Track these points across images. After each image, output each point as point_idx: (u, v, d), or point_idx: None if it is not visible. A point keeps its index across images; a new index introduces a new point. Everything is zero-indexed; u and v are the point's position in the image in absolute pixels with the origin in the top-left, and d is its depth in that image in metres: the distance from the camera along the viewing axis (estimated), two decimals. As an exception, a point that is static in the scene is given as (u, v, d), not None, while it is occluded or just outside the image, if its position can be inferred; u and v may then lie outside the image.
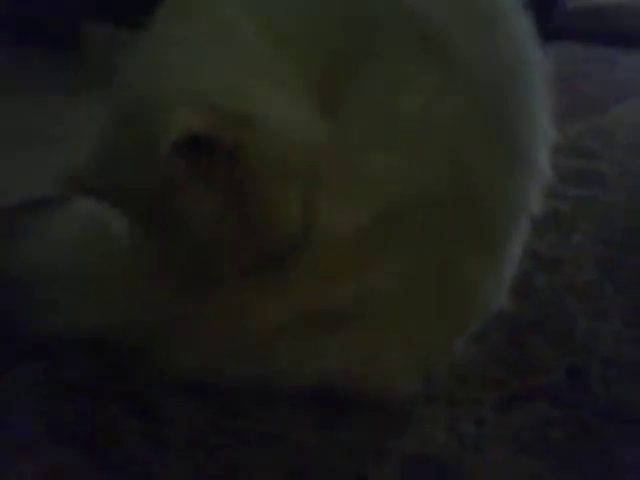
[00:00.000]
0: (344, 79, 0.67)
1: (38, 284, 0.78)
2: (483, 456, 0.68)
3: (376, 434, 0.69)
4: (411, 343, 0.69)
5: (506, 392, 0.76)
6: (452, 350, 0.72)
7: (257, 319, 0.68)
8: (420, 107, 0.66)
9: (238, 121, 0.63)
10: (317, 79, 0.68)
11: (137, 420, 0.69)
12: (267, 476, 0.64)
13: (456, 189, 0.66)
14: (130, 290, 0.74)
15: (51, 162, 1.14)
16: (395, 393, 0.70)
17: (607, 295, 0.93)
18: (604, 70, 1.92)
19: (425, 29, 0.68)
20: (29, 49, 1.80)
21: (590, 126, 1.48)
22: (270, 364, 0.70)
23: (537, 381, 0.78)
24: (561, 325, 0.86)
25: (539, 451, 0.69)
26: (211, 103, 0.63)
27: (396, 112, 0.66)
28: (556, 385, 0.77)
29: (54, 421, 0.69)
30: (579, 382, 0.78)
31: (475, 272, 0.69)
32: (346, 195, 0.66)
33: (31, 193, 1.05)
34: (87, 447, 0.67)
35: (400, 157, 0.66)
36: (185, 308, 0.71)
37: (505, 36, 0.70)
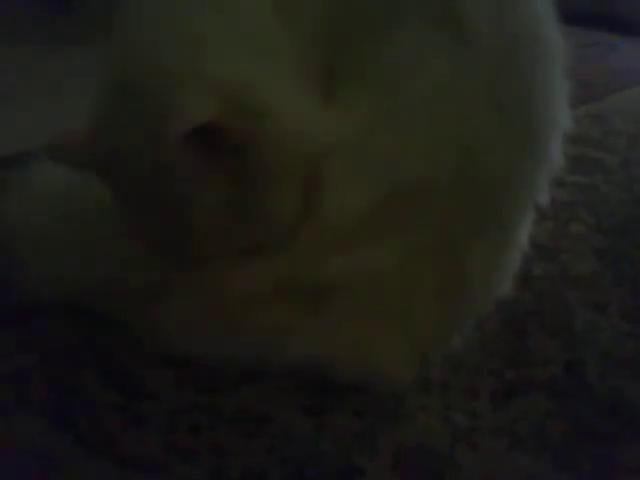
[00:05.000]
0: (348, 56, 0.64)
1: (17, 242, 0.75)
2: (477, 450, 0.65)
3: (368, 422, 0.66)
4: (408, 329, 0.66)
5: (502, 383, 0.73)
6: (451, 338, 0.69)
7: (241, 288, 0.65)
8: (433, 88, 0.63)
9: (251, 113, 0.59)
10: (318, 54, 0.64)
11: (114, 393, 0.66)
12: (254, 460, 0.61)
13: (463, 173, 0.63)
14: (110, 252, 0.70)
15: (32, 114, 1.10)
16: (388, 379, 0.67)
17: (606, 287, 0.90)
18: (604, 56, 1.89)
19: (440, 5, 0.64)
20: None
21: (589, 112, 1.45)
22: (257, 338, 0.66)
23: (534, 373, 0.75)
24: (559, 316, 0.84)
25: (534, 447, 0.66)
26: (227, 89, 0.58)
27: (404, 93, 0.63)
28: (553, 378, 0.75)
29: (23, 390, 0.65)
30: (576, 376, 0.75)
31: (478, 259, 0.66)
32: (349, 176, 0.62)
33: (13, 146, 1.00)
34: (58, 419, 0.63)
35: (406, 139, 0.62)
36: (165, 277, 0.67)
37: (524, 17, 0.67)
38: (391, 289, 0.64)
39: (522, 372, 0.75)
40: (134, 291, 0.69)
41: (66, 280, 0.72)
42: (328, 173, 0.62)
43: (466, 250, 0.65)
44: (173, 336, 0.67)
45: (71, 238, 0.73)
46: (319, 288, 0.64)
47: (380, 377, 0.67)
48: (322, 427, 0.65)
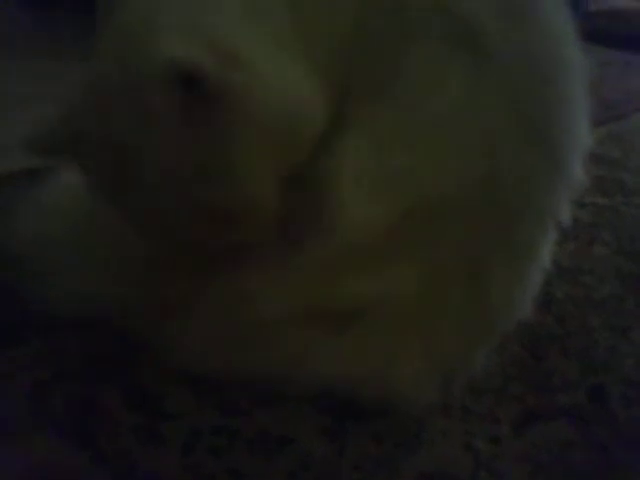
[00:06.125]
0: (365, 73, 0.64)
1: (33, 257, 0.74)
2: (499, 477, 0.64)
3: (388, 446, 0.65)
4: (429, 350, 0.65)
5: (523, 409, 0.72)
6: (472, 360, 0.68)
7: (263, 309, 0.64)
8: (450, 105, 0.62)
9: (232, 61, 0.57)
10: (330, 62, 0.63)
11: (132, 412, 0.65)
12: (272, 484, 0.60)
13: (484, 191, 0.63)
14: (125, 268, 0.70)
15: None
16: (408, 402, 0.66)
17: (629, 311, 0.89)
18: (624, 75, 1.88)
19: (457, 23, 0.64)
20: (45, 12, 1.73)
21: (610, 132, 1.44)
22: (276, 359, 0.65)
23: (556, 399, 0.74)
24: (581, 340, 0.83)
25: (557, 475, 0.65)
26: (205, 37, 0.57)
27: (426, 109, 0.62)
28: (576, 404, 0.73)
29: (40, 406, 0.65)
30: (599, 402, 0.74)
31: (500, 279, 0.65)
32: (366, 194, 0.62)
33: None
34: (76, 436, 0.62)
35: (423, 156, 0.62)
36: (186, 293, 0.66)
37: (542, 34, 0.67)
38: (412, 310, 0.64)
39: (544, 397, 0.74)
40: (151, 307, 0.68)
41: (81, 296, 0.71)
42: (345, 190, 0.62)
43: (488, 269, 0.64)
44: (191, 354, 0.66)
45: (85, 253, 0.73)
46: (340, 309, 0.63)
47: (400, 399, 0.66)
48: (342, 451, 0.64)
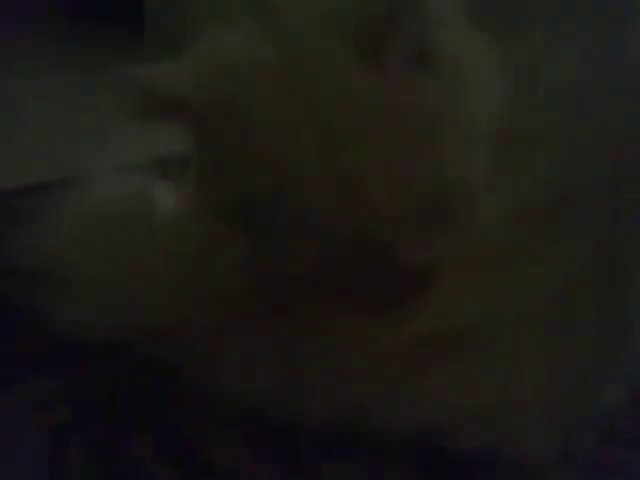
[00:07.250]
0: None
1: (55, 277, 0.66)
2: None
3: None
4: (549, 383, 0.54)
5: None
6: (601, 397, 0.55)
7: (345, 341, 0.55)
8: (574, 86, 0.56)
9: None
10: None
11: (167, 464, 0.54)
12: None
13: (615, 189, 0.55)
14: (169, 289, 0.62)
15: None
16: (523, 451, 0.54)
17: None
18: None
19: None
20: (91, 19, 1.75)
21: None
22: (354, 399, 0.55)
23: None
24: None
25: None
26: None
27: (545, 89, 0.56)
28: None
29: (59, 454, 0.54)
30: None
31: (637, 291, 0.55)
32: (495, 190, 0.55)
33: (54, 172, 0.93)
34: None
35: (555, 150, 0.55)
36: (242, 317, 0.57)
37: None
38: (533, 333, 0.53)
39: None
40: (199, 338, 0.59)
41: (113, 317, 0.63)
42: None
43: (622, 280, 0.55)
44: (245, 392, 0.56)
45: (117, 271, 0.65)
46: (448, 334, 0.54)
47: (513, 447, 0.54)
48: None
